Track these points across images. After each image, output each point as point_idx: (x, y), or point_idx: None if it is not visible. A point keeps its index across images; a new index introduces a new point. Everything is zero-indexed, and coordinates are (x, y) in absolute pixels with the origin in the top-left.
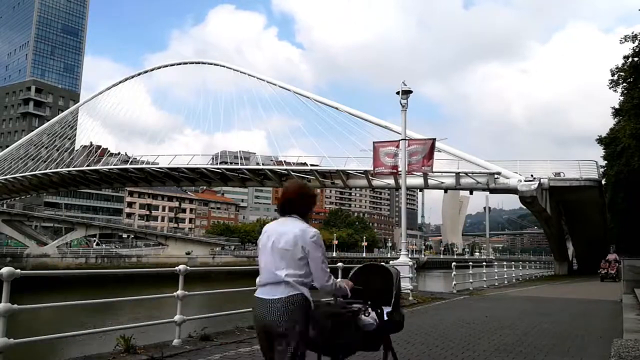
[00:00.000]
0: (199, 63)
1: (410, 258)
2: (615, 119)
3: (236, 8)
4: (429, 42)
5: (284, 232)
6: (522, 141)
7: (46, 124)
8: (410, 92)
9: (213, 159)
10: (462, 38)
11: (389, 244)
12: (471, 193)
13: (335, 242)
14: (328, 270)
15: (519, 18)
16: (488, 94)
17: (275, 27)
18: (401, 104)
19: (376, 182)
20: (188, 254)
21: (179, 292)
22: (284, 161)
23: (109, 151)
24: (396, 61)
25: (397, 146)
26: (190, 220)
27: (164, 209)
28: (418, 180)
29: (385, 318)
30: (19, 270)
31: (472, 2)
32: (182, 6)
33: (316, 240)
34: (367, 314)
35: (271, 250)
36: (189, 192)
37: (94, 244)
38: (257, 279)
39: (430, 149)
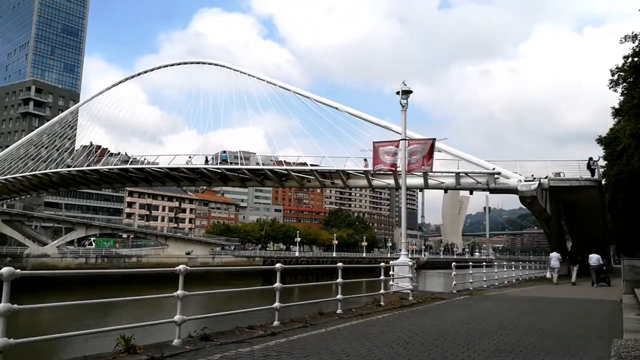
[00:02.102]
0: (198, 63)
1: (410, 258)
2: (615, 119)
3: (224, 10)
4: (415, 43)
5: (594, 256)
6: (519, 141)
7: (46, 124)
8: (410, 92)
9: (213, 158)
10: (447, 38)
11: (389, 244)
12: (471, 193)
13: (335, 242)
14: (605, 260)
15: (506, 17)
16: (480, 94)
17: (264, 30)
18: (401, 104)
19: (376, 182)
20: (188, 254)
21: (179, 292)
22: (284, 161)
23: (109, 151)
24: (382, 63)
25: (397, 146)
26: (190, 220)
27: (164, 209)
28: (418, 180)
29: (605, 267)
30: (19, 270)
31: (449, 3)
32: (177, 7)
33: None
34: (603, 265)
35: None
36: (189, 192)
37: (87, 244)
38: (592, 262)
39: (430, 148)
